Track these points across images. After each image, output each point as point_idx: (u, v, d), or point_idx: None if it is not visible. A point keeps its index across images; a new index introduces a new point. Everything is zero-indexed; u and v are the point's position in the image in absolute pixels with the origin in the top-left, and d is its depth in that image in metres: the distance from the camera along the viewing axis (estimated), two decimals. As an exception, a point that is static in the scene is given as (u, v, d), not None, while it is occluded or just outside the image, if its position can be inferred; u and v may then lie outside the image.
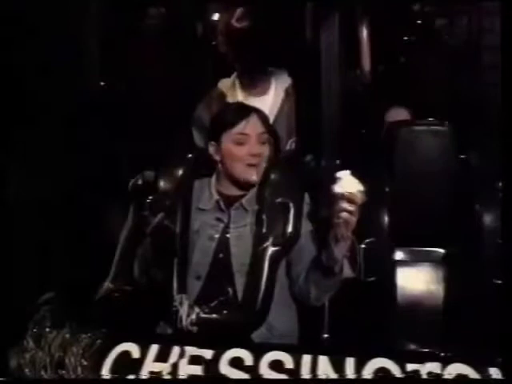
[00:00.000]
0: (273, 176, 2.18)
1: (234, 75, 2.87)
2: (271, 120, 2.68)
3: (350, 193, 1.83)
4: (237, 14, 2.76)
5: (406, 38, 4.70)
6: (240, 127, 2.11)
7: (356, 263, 1.95)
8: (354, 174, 1.86)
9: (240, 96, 2.84)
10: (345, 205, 1.83)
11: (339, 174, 1.86)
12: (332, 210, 1.86)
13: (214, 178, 2.19)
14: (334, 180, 1.85)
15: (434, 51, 4.35)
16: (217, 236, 2.10)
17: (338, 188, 1.84)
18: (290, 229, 2.08)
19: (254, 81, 2.82)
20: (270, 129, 2.22)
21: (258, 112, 2.19)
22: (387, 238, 2.36)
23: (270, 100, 2.84)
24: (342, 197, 1.83)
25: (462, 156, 2.84)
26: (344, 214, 1.84)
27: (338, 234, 1.87)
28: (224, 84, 2.87)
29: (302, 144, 2.69)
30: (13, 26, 2.91)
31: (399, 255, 2.83)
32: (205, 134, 2.39)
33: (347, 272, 1.96)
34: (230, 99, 2.82)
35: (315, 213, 2.14)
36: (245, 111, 2.16)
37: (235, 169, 2.12)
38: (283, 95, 2.82)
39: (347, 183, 1.84)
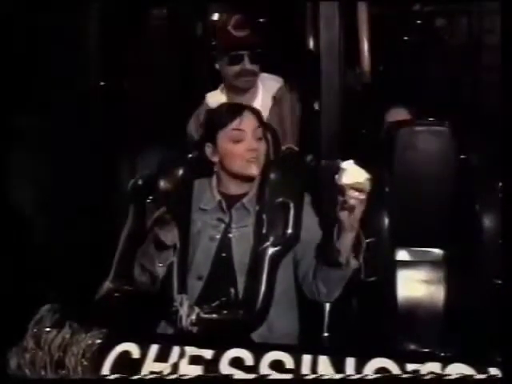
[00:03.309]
0: (273, 176, 2.18)
1: (220, 87, 2.83)
2: None
3: (359, 182, 1.82)
4: (234, 21, 2.71)
5: (405, 38, 4.70)
6: (235, 124, 2.10)
7: (360, 253, 1.96)
8: (357, 163, 1.85)
9: None
10: (355, 194, 1.83)
11: (343, 164, 1.84)
12: (340, 201, 1.86)
13: (214, 180, 2.18)
14: (339, 171, 1.84)
15: (434, 51, 4.36)
16: (218, 236, 2.10)
17: (345, 179, 1.83)
18: (290, 229, 2.08)
19: (241, 90, 2.76)
20: (265, 124, 2.22)
21: (251, 108, 2.19)
22: (387, 237, 2.36)
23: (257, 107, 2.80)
24: (352, 187, 1.82)
25: (462, 156, 2.84)
26: (353, 201, 1.84)
27: (345, 224, 1.88)
28: (211, 98, 2.81)
29: (302, 144, 2.69)
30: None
31: (399, 255, 2.83)
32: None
33: (353, 263, 1.97)
34: None
35: (318, 210, 2.14)
36: (238, 109, 2.16)
37: (235, 166, 2.11)
38: (271, 103, 2.76)
39: (354, 173, 1.83)
